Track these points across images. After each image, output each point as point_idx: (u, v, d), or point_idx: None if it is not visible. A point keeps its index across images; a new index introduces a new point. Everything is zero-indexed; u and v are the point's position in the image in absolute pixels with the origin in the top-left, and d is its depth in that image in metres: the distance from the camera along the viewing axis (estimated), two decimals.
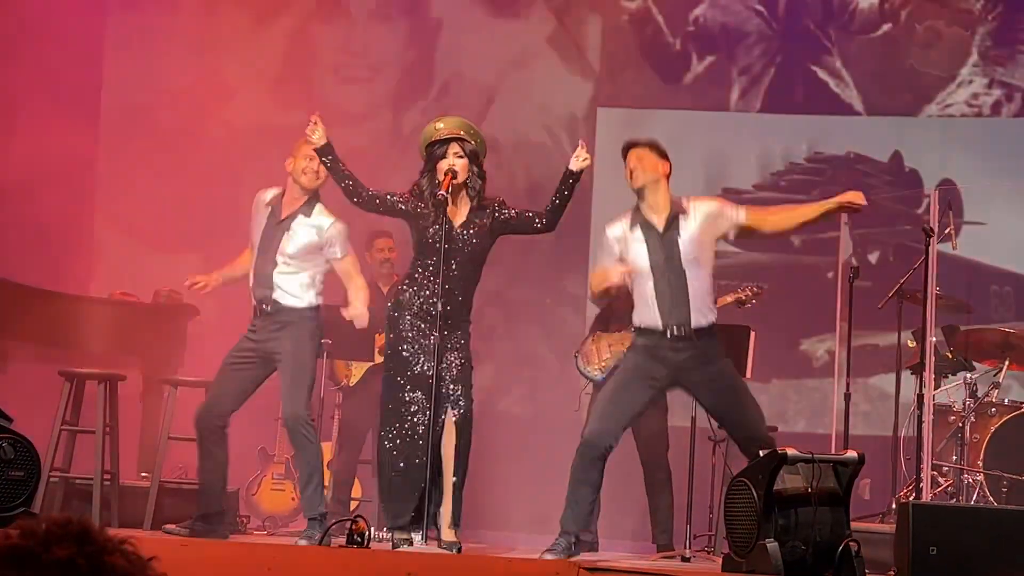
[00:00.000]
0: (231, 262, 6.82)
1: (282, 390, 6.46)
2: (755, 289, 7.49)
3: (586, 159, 6.23)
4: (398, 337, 6.29)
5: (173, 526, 6.53)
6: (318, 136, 6.24)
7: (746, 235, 6.31)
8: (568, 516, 5.98)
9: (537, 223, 6.35)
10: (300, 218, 6.51)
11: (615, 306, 7.26)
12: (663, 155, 6.13)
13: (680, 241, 6.03)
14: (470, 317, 6.36)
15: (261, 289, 6.48)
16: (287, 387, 6.45)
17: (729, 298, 7.44)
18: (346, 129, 8.80)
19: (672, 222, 6.06)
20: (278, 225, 6.53)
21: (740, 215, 6.16)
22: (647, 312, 6.04)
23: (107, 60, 10.18)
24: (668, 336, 5.99)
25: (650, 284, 6.02)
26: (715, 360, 6.05)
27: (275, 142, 7.87)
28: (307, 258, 6.52)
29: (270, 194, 6.60)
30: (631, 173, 6.10)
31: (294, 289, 6.49)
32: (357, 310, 6.64)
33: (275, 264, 6.48)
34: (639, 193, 6.11)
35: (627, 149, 6.16)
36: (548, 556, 5.69)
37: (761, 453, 5.56)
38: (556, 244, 9.34)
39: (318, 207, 6.55)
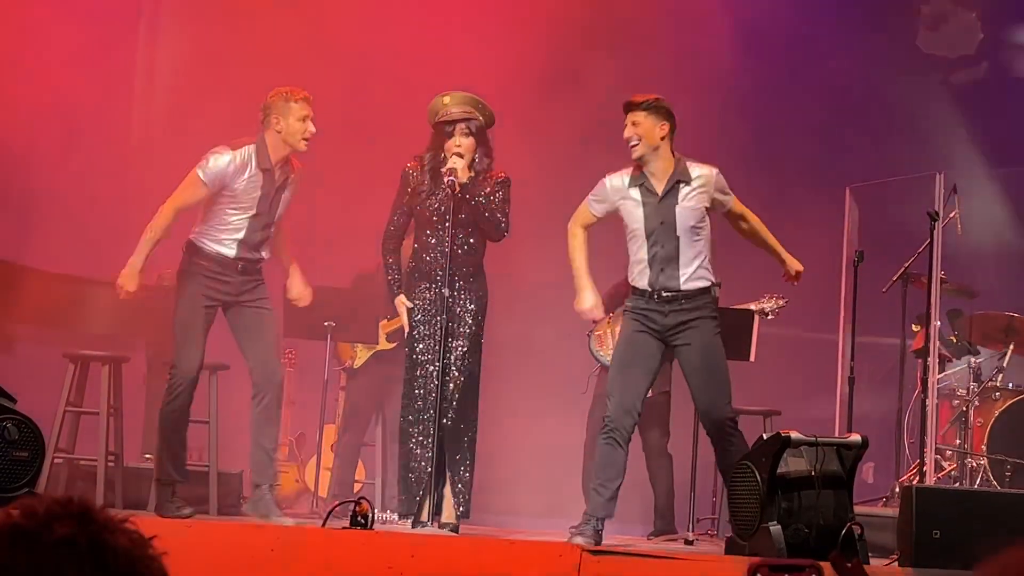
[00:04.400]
0: (142, 238, 6.51)
1: (262, 350, 6.48)
2: (780, 302, 7.44)
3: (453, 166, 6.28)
4: (415, 316, 6.34)
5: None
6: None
7: (726, 219, 6.31)
8: (597, 502, 5.97)
9: (500, 237, 6.38)
10: (292, 178, 6.55)
11: (624, 290, 7.30)
12: (663, 115, 6.06)
13: (677, 209, 6.02)
14: (483, 284, 6.40)
15: (250, 251, 6.48)
16: (269, 345, 6.55)
17: (753, 306, 7.42)
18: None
19: (672, 188, 6.05)
20: (277, 190, 6.52)
21: (730, 200, 6.19)
22: (640, 274, 6.08)
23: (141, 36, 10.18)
24: (655, 298, 6.02)
25: (644, 248, 6.05)
26: (699, 325, 6.02)
27: None
28: (278, 214, 6.60)
29: (245, 153, 6.41)
30: (628, 141, 6.06)
31: (267, 246, 6.60)
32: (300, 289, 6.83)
33: (269, 228, 6.49)
34: (639, 161, 6.10)
35: (626, 110, 6.10)
36: (579, 540, 5.68)
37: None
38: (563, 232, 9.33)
39: (297, 169, 6.59)
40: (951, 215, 7.49)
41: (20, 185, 9.14)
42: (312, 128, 6.40)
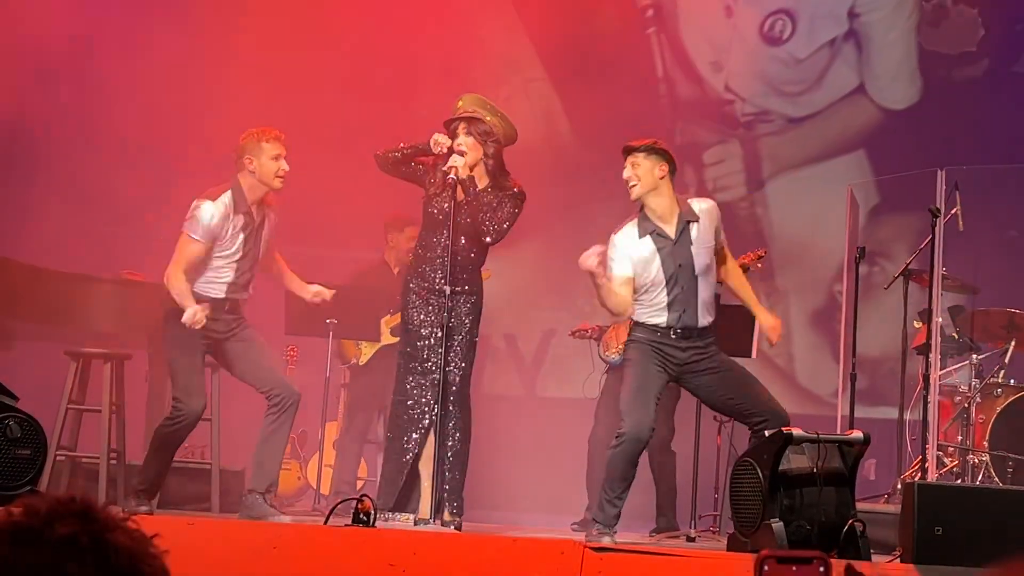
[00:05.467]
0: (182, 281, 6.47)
1: (263, 369, 6.51)
2: (759, 253, 7.44)
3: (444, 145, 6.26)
4: (411, 313, 6.33)
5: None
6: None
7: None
8: (608, 513, 5.97)
9: (487, 237, 6.32)
10: (268, 214, 6.56)
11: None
12: (662, 156, 6.08)
13: (693, 250, 6.05)
14: (477, 290, 6.37)
15: (238, 292, 6.50)
16: (274, 363, 6.69)
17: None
18: None
19: (684, 229, 6.06)
20: (257, 229, 6.53)
21: (722, 236, 6.21)
22: (656, 314, 6.06)
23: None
24: (673, 336, 6.03)
25: (664, 293, 6.04)
26: (715, 355, 6.08)
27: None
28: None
29: (225, 200, 6.40)
30: (628, 183, 6.08)
31: (251, 285, 6.64)
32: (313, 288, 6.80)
33: (254, 267, 6.52)
34: (638, 202, 6.12)
35: (625, 155, 6.13)
36: (606, 540, 5.70)
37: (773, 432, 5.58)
38: (576, 226, 9.36)
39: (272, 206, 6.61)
40: (952, 211, 7.48)
41: (21, 182, 9.15)
42: (285, 166, 6.41)
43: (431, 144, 6.28)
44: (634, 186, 6.05)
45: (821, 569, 2.28)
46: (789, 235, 10.17)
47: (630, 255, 6.04)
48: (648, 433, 5.94)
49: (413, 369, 6.28)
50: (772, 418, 5.90)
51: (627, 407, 5.98)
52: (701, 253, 6.05)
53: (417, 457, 6.22)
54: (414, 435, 6.22)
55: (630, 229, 6.09)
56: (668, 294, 6.02)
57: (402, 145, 6.39)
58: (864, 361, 8.95)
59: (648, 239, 6.04)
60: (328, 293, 6.86)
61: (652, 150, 6.07)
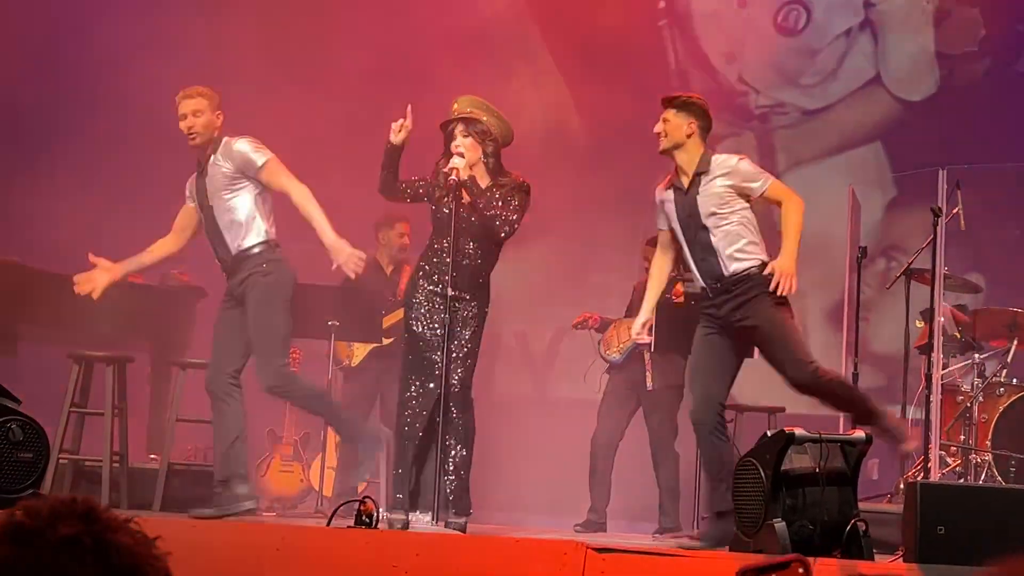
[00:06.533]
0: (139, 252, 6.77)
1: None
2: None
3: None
4: (415, 315, 6.30)
5: (198, 510, 6.44)
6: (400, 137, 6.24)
7: (764, 203, 6.31)
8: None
9: (501, 232, 6.27)
10: (212, 159, 6.51)
11: (641, 292, 7.53)
12: (693, 112, 6.19)
13: (699, 199, 6.12)
14: (484, 295, 6.35)
15: (216, 248, 6.51)
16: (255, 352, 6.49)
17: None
18: None
19: (695, 181, 6.16)
20: (198, 178, 6.56)
21: (764, 185, 6.18)
22: (694, 274, 6.24)
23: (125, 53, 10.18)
24: (709, 295, 6.13)
25: (684, 244, 6.22)
26: (754, 303, 6.05)
27: (278, 126, 7.85)
28: (233, 191, 6.48)
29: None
30: (657, 136, 6.21)
31: (236, 230, 6.47)
32: (334, 243, 6.30)
33: (213, 218, 6.49)
34: (664, 155, 6.24)
35: (662, 105, 6.26)
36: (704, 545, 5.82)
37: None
38: (587, 219, 9.37)
39: (224, 141, 6.53)
40: (954, 211, 7.48)
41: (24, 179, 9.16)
42: (186, 125, 6.45)
43: (447, 171, 6.24)
44: (662, 139, 6.20)
45: (801, 571, 2.29)
46: (804, 230, 10.12)
47: (663, 209, 6.29)
48: (702, 415, 6.07)
49: (416, 374, 6.25)
50: (795, 385, 6.00)
51: (688, 387, 6.24)
52: (705, 201, 6.11)
53: (423, 460, 6.18)
54: (418, 438, 6.19)
55: (664, 184, 6.31)
56: (686, 246, 6.18)
57: (422, 193, 6.37)
58: (880, 359, 8.95)
59: (670, 191, 6.25)
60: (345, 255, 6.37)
61: (684, 105, 6.21)
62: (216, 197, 6.48)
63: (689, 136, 6.17)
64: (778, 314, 6.07)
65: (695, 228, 6.13)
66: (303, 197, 6.34)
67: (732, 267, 6.08)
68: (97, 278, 6.67)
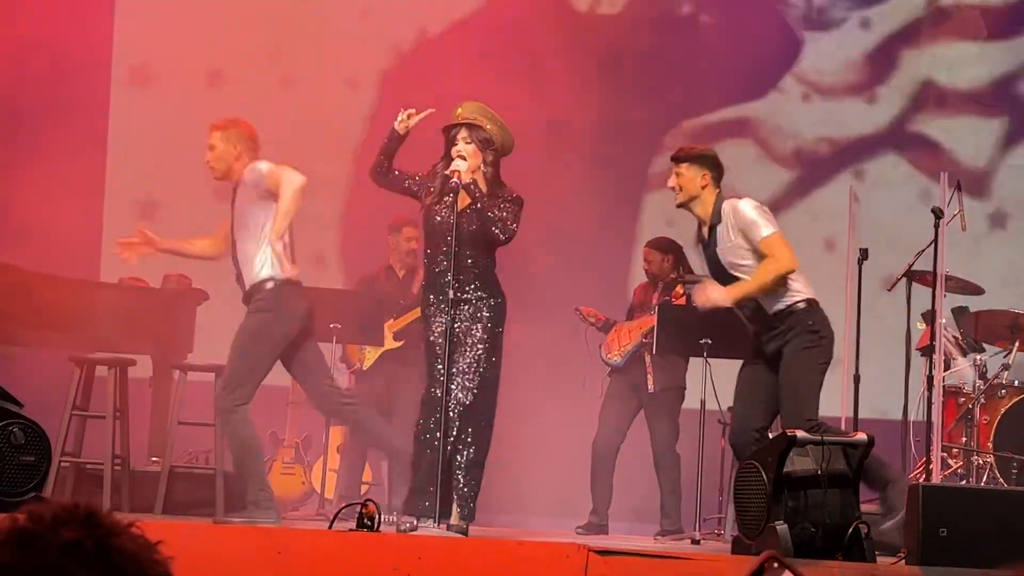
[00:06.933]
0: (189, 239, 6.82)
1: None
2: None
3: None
4: (429, 326, 6.29)
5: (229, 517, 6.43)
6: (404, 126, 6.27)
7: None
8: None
9: (502, 236, 6.25)
10: (240, 187, 6.44)
11: (640, 297, 7.96)
12: (705, 164, 6.22)
13: (718, 252, 6.16)
14: (492, 291, 6.33)
15: (237, 269, 6.51)
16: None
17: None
18: None
19: (711, 233, 6.19)
20: (231, 206, 6.53)
21: (757, 237, 6.06)
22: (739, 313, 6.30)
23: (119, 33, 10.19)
24: (756, 337, 6.17)
25: None
26: (789, 342, 6.06)
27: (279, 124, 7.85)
28: (252, 218, 6.40)
29: None
30: (672, 190, 6.27)
31: (248, 265, 6.44)
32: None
33: (233, 244, 6.48)
34: (682, 208, 6.31)
35: (672, 161, 6.32)
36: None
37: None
38: (581, 233, 9.37)
39: (251, 166, 6.40)
40: (955, 212, 7.47)
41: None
42: (206, 159, 6.46)
43: (448, 174, 6.23)
44: (678, 195, 6.24)
45: (775, 565, 2.32)
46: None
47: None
48: (735, 439, 6.15)
49: (433, 380, 6.23)
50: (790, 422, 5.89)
51: (736, 406, 6.26)
52: (725, 252, 6.15)
53: (439, 465, 6.14)
54: (435, 443, 6.15)
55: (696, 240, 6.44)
56: None
57: (414, 189, 6.37)
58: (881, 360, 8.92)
59: (700, 247, 6.36)
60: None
61: (696, 158, 6.26)
62: (238, 229, 6.47)
63: (704, 187, 6.19)
64: (802, 358, 6.04)
65: (726, 279, 6.14)
66: (290, 185, 6.27)
67: (775, 307, 6.09)
68: (137, 247, 6.69)
